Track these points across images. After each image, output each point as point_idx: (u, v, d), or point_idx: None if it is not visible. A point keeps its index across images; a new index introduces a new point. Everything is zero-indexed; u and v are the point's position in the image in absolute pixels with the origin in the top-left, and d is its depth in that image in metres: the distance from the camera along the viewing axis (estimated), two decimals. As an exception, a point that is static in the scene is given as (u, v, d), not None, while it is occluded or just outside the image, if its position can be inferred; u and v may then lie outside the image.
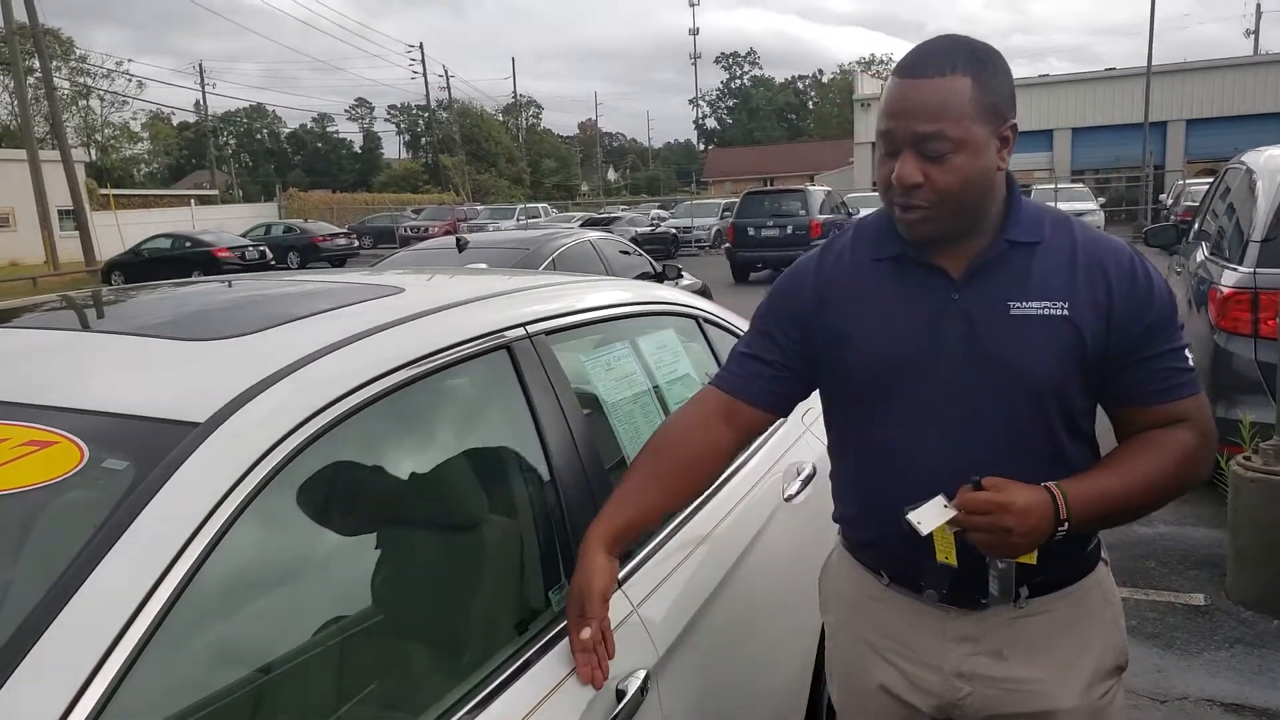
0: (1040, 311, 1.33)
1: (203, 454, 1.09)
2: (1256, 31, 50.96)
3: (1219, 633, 3.31)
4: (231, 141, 78.98)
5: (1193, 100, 30.55)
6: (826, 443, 1.63)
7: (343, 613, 1.28)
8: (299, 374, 1.25)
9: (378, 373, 1.32)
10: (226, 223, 32.31)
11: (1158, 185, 25.90)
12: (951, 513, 1.28)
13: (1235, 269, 4.09)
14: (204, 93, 63.40)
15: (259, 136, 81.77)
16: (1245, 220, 4.37)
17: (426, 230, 28.83)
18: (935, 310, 1.37)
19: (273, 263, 23.89)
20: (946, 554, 1.34)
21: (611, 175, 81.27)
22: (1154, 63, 21.91)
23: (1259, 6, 51.11)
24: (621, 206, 39.24)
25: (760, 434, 1.60)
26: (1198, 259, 5.03)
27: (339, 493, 1.34)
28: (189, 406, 1.16)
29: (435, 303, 1.62)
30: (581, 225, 19.14)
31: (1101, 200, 24.28)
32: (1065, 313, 1.33)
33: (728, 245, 18.09)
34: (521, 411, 1.56)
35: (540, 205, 36.14)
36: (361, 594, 1.32)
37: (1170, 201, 21.21)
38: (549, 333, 1.69)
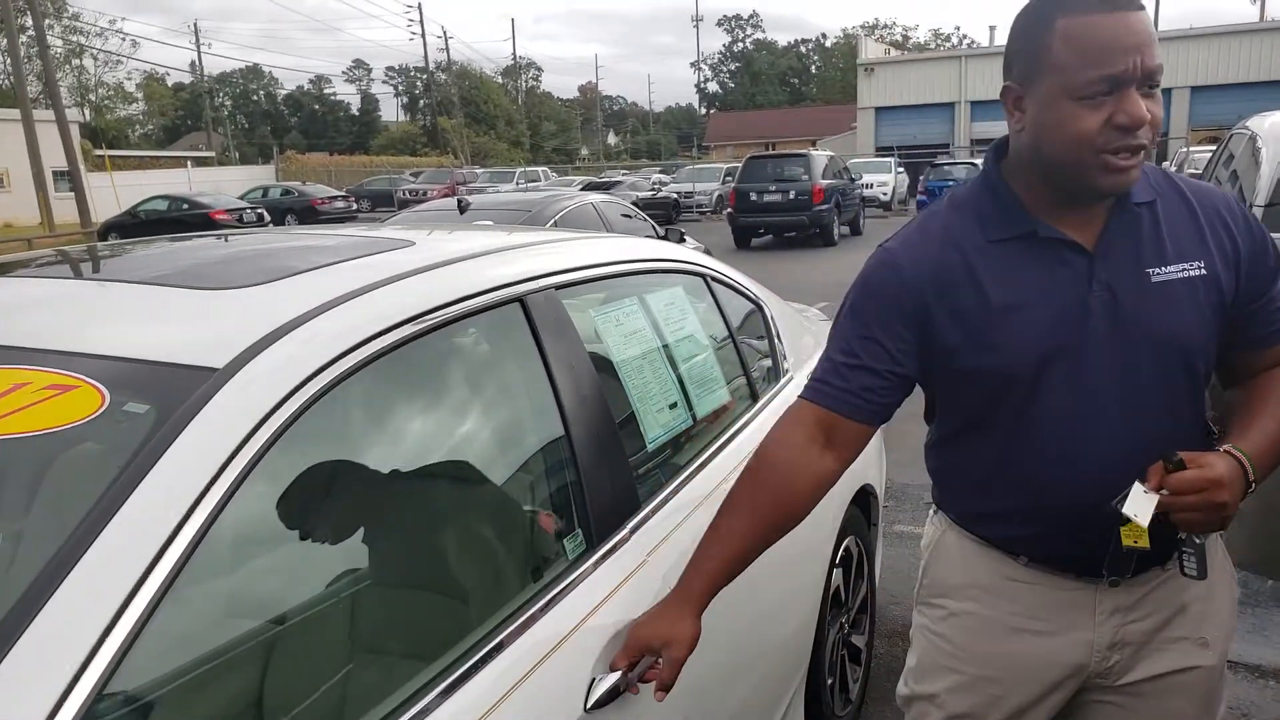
0: (1181, 274, 1.29)
1: (223, 398, 1.10)
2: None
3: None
4: (228, 103, 78.23)
5: (1198, 67, 30.27)
6: (934, 438, 1.54)
7: (356, 562, 1.30)
8: (314, 322, 1.25)
9: (392, 323, 1.33)
10: (223, 185, 32.10)
11: (1161, 152, 25.73)
12: (1155, 498, 1.22)
13: (1239, 234, 4.08)
14: (199, 53, 62.76)
15: (255, 98, 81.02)
16: (1249, 185, 4.36)
17: (425, 193, 28.68)
18: (1078, 289, 1.29)
19: (270, 225, 23.81)
20: (1137, 538, 1.26)
21: (612, 139, 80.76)
22: (1159, 29, 21.66)
23: (1267, -28, 50.48)
24: (622, 171, 38.99)
25: (862, 450, 1.46)
26: (1201, 225, 5.01)
27: (354, 440, 1.36)
28: (207, 352, 1.17)
29: (447, 256, 1.62)
30: (582, 189, 19.04)
31: (1104, 167, 24.09)
32: (1203, 271, 1.30)
33: (729, 210, 18.02)
34: (535, 365, 1.56)
35: (540, 169, 35.90)
36: (376, 542, 1.33)
37: (1174, 168, 21.09)
38: (559, 287, 1.69)
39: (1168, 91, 29.11)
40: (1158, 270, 1.29)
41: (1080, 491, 1.30)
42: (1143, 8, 1.21)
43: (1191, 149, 21.07)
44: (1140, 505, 1.22)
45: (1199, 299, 1.30)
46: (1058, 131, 1.23)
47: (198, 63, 63.97)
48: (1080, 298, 1.29)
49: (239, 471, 1.05)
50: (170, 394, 1.10)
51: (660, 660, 1.34)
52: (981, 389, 1.37)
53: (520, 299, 1.58)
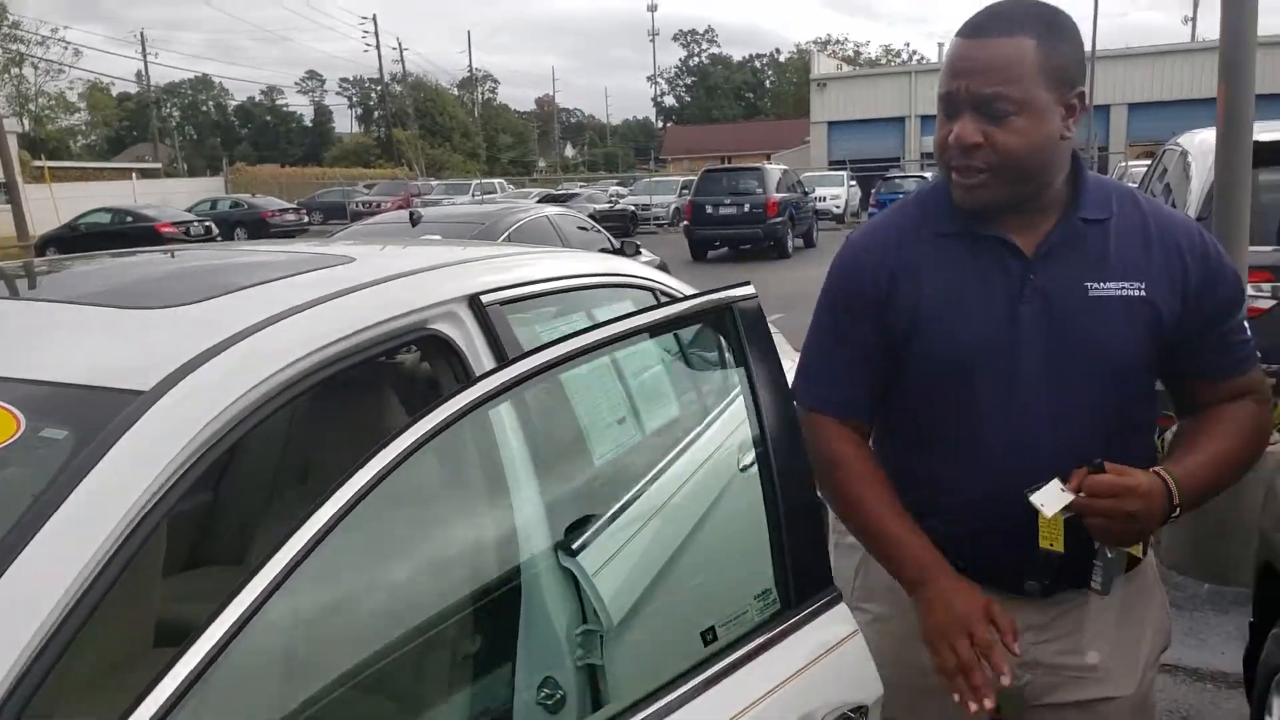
0: (1119, 292, 1.30)
1: (148, 423, 1.06)
2: (1194, 19, 51.95)
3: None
4: (175, 114, 76.99)
5: (1134, 85, 31.12)
6: (877, 433, 1.54)
7: (299, 593, 1.26)
8: (247, 342, 1.22)
9: (327, 341, 1.29)
10: (170, 197, 31.52)
11: (1102, 166, 26.36)
12: (1070, 496, 1.23)
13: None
14: (145, 62, 61.61)
15: (204, 109, 79.84)
16: (1180, 200, 4.48)
17: (379, 205, 28.42)
18: (1012, 291, 1.32)
19: (219, 238, 23.41)
20: (1052, 540, 1.27)
21: (569, 151, 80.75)
22: (1097, 48, 22.25)
23: (1199, -9, 52.14)
24: (579, 183, 39.03)
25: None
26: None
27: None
28: (132, 375, 1.12)
29: (387, 271, 1.59)
30: (539, 201, 19.02)
31: (1050, 181, 24.62)
32: (1142, 293, 1.30)
33: (686, 223, 18.11)
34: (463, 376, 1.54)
35: (496, 181, 35.76)
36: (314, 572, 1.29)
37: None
38: (504, 302, 1.67)
39: (1105, 108, 29.97)
40: (1095, 285, 1.31)
41: (1007, 495, 1.29)
42: (1002, 35, 1.24)
43: (1129, 163, 21.63)
44: (1050, 498, 1.23)
45: (1135, 318, 1.31)
46: (935, 139, 1.33)
47: (144, 72, 62.90)
48: (1012, 300, 1.32)
49: (162, 499, 1.01)
50: (92, 419, 1.06)
51: (997, 628, 1.26)
52: (914, 390, 1.41)
53: (458, 314, 1.55)
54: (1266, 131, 3.80)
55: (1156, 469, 1.27)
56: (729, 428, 1.72)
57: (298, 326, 1.31)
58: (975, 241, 1.35)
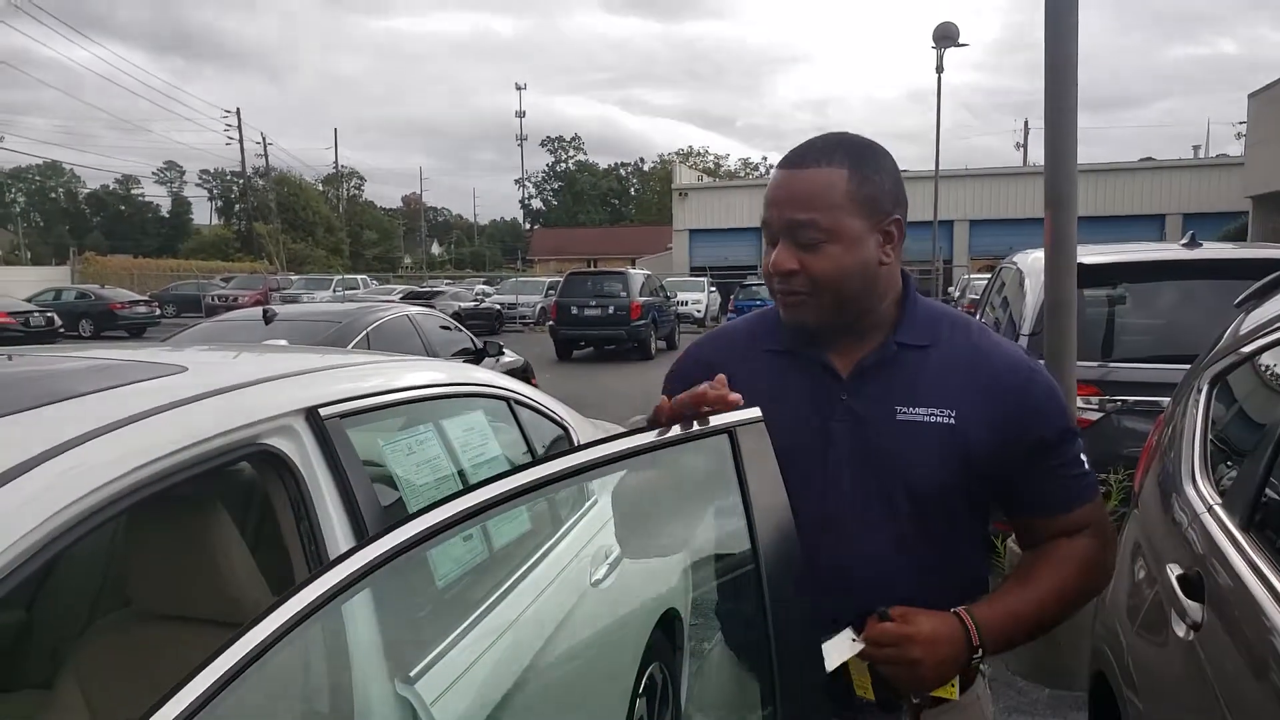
0: (927, 419, 1.31)
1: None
2: (1025, 145, 56.95)
3: (998, 701, 3.50)
4: (21, 199, 73.05)
5: (974, 202, 33.57)
6: None
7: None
8: (58, 460, 1.13)
9: (150, 458, 1.22)
10: (10, 286, 29.55)
11: (947, 278, 28.17)
12: (859, 646, 1.22)
13: (1009, 359, 4.44)
14: (-12, 145, 58.51)
15: (53, 195, 76.12)
16: (1016, 315, 4.78)
17: (235, 299, 27.50)
18: (823, 409, 1.34)
19: (62, 331, 22.04)
20: (864, 689, 1.27)
21: (436, 249, 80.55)
22: (941, 168, 23.98)
23: (1026, 123, 57.31)
24: (445, 280, 38.81)
25: None
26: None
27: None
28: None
29: (220, 382, 1.52)
30: (402, 299, 18.78)
31: (899, 290, 26.01)
32: (951, 421, 1.30)
33: (551, 323, 18.21)
34: (299, 502, 1.47)
35: (359, 277, 35.17)
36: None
37: (957, 294, 23.04)
38: (345, 415, 1.62)
39: (949, 224, 32.17)
40: (905, 409, 1.32)
41: (829, 614, 1.27)
42: (813, 166, 1.29)
43: (972, 276, 23.19)
44: (837, 649, 1.22)
45: (942, 445, 1.30)
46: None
47: (-14, 155, 59.61)
48: (825, 418, 1.34)
49: None
50: None
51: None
52: None
53: (292, 429, 1.50)
54: (1090, 255, 4.13)
55: (958, 610, 1.26)
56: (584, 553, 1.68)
57: (119, 442, 1.23)
58: (797, 360, 1.38)
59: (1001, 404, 1.31)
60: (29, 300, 24.33)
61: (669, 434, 1.22)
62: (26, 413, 1.29)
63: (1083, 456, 1.36)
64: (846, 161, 1.29)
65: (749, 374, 1.37)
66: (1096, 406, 4.02)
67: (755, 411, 1.26)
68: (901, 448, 1.31)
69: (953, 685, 1.26)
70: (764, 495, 1.23)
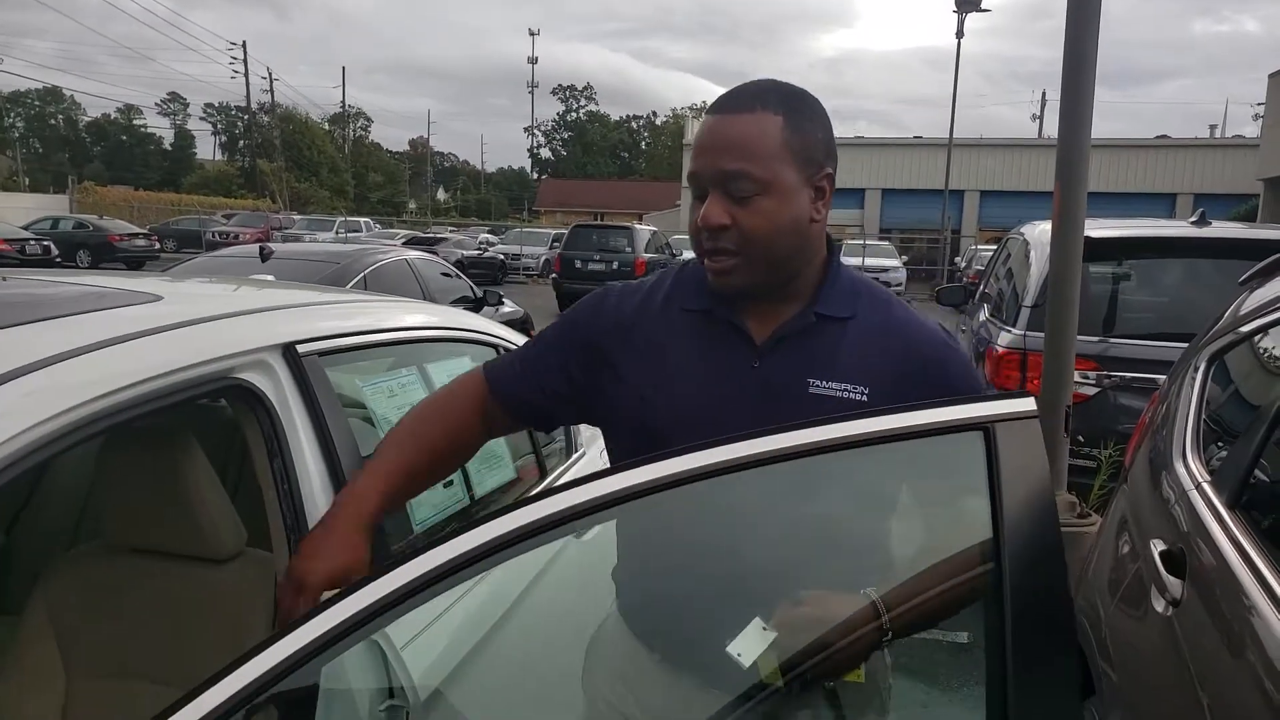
0: (840, 393, 1.24)
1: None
2: (1041, 117, 56.37)
3: (980, 669, 3.51)
4: (20, 124, 72.39)
5: (987, 173, 33.32)
6: None
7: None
8: (16, 383, 1.10)
9: (115, 387, 1.19)
10: (7, 213, 29.37)
11: (954, 248, 28.03)
12: (772, 635, 1.12)
13: (1009, 330, 4.42)
14: (-10, 68, 57.82)
15: (53, 122, 75.42)
16: (1020, 286, 4.74)
17: (235, 236, 27.35)
18: (732, 375, 1.27)
19: (58, 260, 21.94)
20: (773, 675, 1.17)
21: (441, 195, 79.98)
22: (954, 135, 23.74)
23: (1044, 95, 56.67)
24: (449, 228, 38.57)
25: (507, 434, 1.60)
26: (980, 319, 5.41)
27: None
28: None
29: (194, 314, 1.48)
30: (404, 244, 18.66)
31: (905, 259, 25.96)
32: (865, 397, 1.24)
33: (555, 276, 18.12)
34: (273, 439, 1.45)
35: (363, 220, 34.97)
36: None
37: (964, 264, 22.94)
38: (323, 353, 1.59)
39: (960, 194, 31.92)
40: (817, 382, 1.25)
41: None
42: (746, 111, 1.21)
43: (979, 246, 23.07)
44: (749, 645, 1.12)
45: None
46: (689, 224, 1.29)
47: (-13, 78, 58.98)
48: (729, 384, 1.27)
49: None
50: None
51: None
52: (622, 449, 1.36)
53: (267, 363, 1.46)
54: (1097, 229, 4.08)
55: (867, 591, 1.17)
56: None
57: (86, 367, 1.20)
58: (713, 322, 1.30)
59: (916, 383, 1.24)
60: (25, 228, 24.17)
61: (889, 423, 0.97)
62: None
63: None
64: (782, 108, 1.21)
65: (661, 333, 1.32)
66: (1093, 382, 3.99)
67: (1027, 403, 0.97)
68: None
69: (859, 669, 1.20)
70: (1026, 511, 0.93)
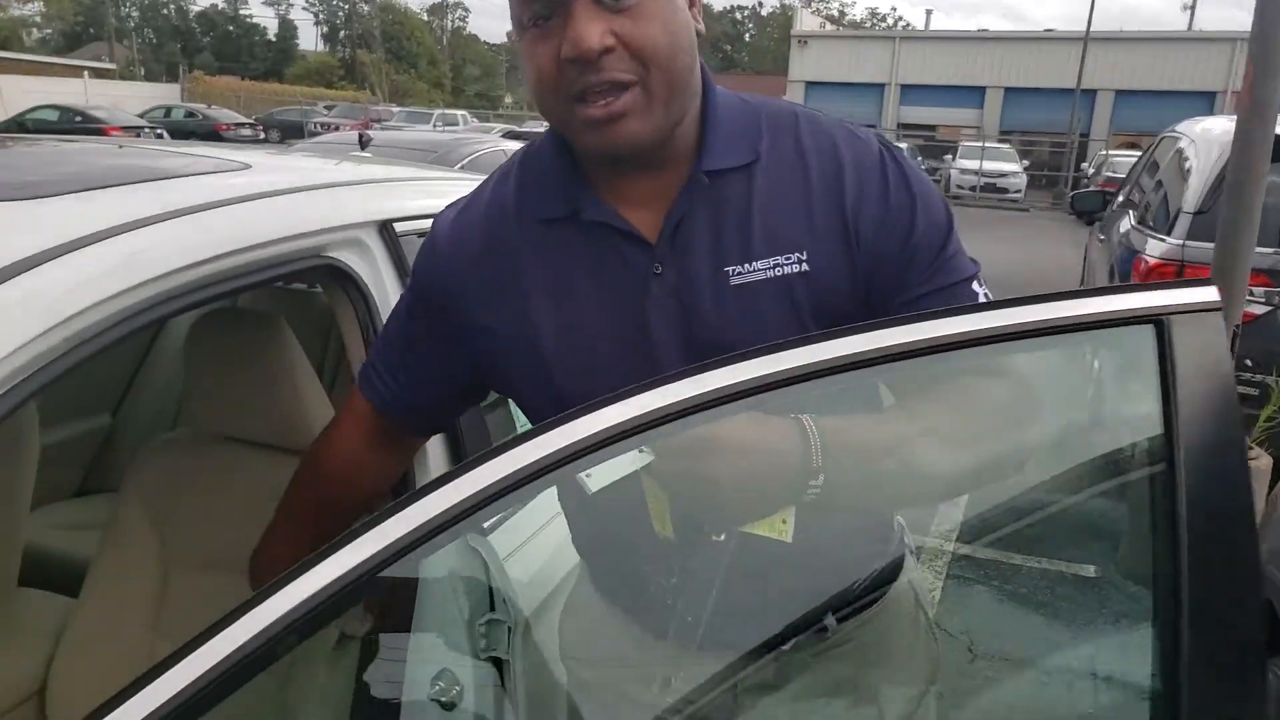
0: (771, 272, 0.92)
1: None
2: (1193, 7, 51.96)
3: (1107, 606, 3.29)
4: (135, 14, 74.01)
5: (1124, 70, 30.93)
6: None
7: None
8: (68, 257, 0.95)
9: (186, 263, 1.03)
10: (123, 100, 30.24)
11: (1080, 153, 26.35)
12: (648, 458, 0.80)
13: (1163, 240, 4.03)
14: (106, -44, 58.97)
15: (165, 11, 76.81)
16: (1177, 191, 4.31)
17: (336, 127, 27.62)
18: (635, 294, 0.93)
19: (169, 147, 22.47)
20: (662, 521, 0.90)
21: (539, 90, 79.16)
22: (1091, 28, 22.06)
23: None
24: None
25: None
26: (1123, 228, 4.98)
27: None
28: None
29: (284, 184, 1.32)
30: (502, 137, 18.53)
31: (1025, 163, 24.61)
32: (804, 266, 0.91)
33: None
34: (368, 327, 1.29)
35: (460, 113, 34.82)
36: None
37: (1092, 170, 21.58)
38: (421, 234, 1.41)
39: (1092, 93, 29.88)
40: (739, 268, 0.92)
41: None
42: None
43: (1111, 152, 21.64)
44: (613, 467, 0.82)
45: (796, 306, 0.92)
46: (529, 79, 0.90)
47: (103, -33, 60.18)
48: (637, 311, 0.93)
49: None
50: None
51: None
52: (528, 411, 1.06)
53: (361, 241, 1.30)
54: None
55: (801, 416, 0.84)
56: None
57: (160, 238, 1.04)
58: (582, 229, 0.95)
59: (856, 209, 0.92)
60: (141, 115, 24.85)
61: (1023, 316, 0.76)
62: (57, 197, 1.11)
63: (978, 286, 0.97)
64: None
65: (524, 263, 0.97)
66: (1262, 299, 3.60)
67: (1208, 292, 0.77)
68: (746, 326, 0.92)
69: (784, 520, 0.83)
70: (1207, 420, 0.75)
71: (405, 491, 0.94)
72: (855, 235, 0.92)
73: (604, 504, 0.84)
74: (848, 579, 0.98)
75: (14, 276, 0.88)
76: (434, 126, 27.01)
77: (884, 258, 0.92)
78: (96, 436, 2.59)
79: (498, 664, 1.23)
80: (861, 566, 0.99)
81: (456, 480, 0.69)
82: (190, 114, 27.66)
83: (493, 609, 1.29)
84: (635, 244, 0.93)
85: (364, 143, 5.80)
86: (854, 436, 0.84)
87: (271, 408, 1.43)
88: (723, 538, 0.85)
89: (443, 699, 1.09)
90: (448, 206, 1.05)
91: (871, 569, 1.01)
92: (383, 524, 0.68)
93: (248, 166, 1.42)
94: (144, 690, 0.63)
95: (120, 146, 1.60)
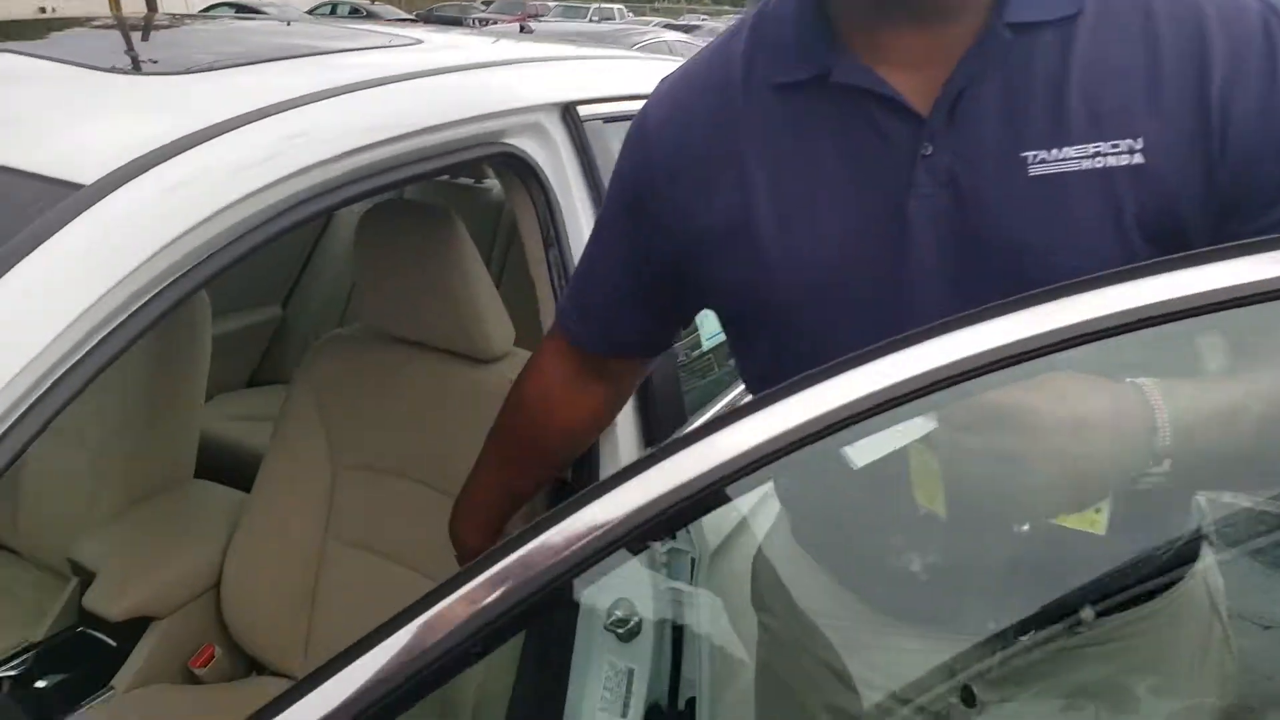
0: (1089, 163, 0.68)
1: (78, 231, 0.73)
2: None
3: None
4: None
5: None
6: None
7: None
8: (230, 136, 0.85)
9: (350, 148, 0.92)
10: (292, -2, 31.16)
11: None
12: (930, 426, 0.64)
13: None
14: None
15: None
16: None
17: (495, 23, 27.74)
18: (894, 179, 0.72)
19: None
20: (930, 498, 0.74)
21: (695, -18, 76.98)
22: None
23: None
24: (701, 16, 37.13)
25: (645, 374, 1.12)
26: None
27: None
28: (73, 161, 0.79)
29: (455, 60, 1.19)
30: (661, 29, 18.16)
31: None
32: (1139, 159, 0.67)
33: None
34: (549, 224, 1.16)
35: (615, 6, 34.19)
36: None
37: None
38: (608, 119, 1.27)
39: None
40: (1042, 153, 0.69)
41: None
42: None
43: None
44: (883, 439, 0.65)
45: (1118, 210, 0.68)
46: None
47: None
48: (896, 200, 0.72)
49: (95, 332, 0.71)
50: (10, 219, 0.74)
51: None
52: (742, 333, 0.88)
53: (541, 126, 1.16)
54: None
55: (1137, 380, 0.64)
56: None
57: (306, 121, 0.94)
58: (832, 94, 0.73)
59: (1239, 99, 0.66)
60: (310, 13, 25.53)
61: None
62: (219, 71, 1.02)
63: None
64: None
65: (744, 145, 0.77)
66: None
67: None
68: (1047, 229, 0.68)
69: (1098, 510, 0.63)
70: None
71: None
72: (1221, 127, 0.67)
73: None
74: (1120, 565, 0.78)
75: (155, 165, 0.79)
76: (590, 19, 26.72)
77: (1258, 159, 0.67)
78: (267, 328, 2.62)
79: (677, 598, 1.13)
80: (1144, 553, 0.78)
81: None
82: (355, 10, 28.19)
83: (673, 536, 1.18)
84: (900, 115, 0.71)
85: (525, 32, 5.69)
86: (1210, 407, 0.62)
87: (444, 311, 1.34)
88: (1026, 528, 0.66)
89: (619, 630, 0.99)
90: (661, 81, 0.87)
91: (1157, 559, 0.80)
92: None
93: (419, 42, 1.30)
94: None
95: (289, 24, 1.51)
